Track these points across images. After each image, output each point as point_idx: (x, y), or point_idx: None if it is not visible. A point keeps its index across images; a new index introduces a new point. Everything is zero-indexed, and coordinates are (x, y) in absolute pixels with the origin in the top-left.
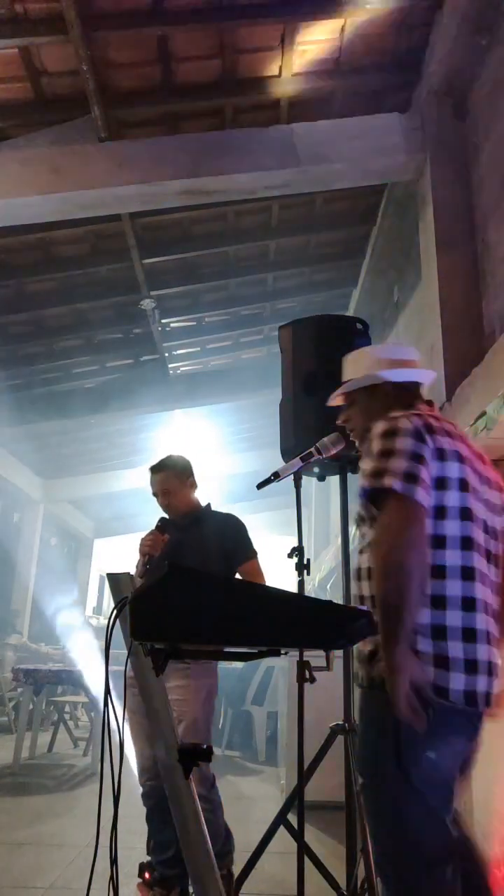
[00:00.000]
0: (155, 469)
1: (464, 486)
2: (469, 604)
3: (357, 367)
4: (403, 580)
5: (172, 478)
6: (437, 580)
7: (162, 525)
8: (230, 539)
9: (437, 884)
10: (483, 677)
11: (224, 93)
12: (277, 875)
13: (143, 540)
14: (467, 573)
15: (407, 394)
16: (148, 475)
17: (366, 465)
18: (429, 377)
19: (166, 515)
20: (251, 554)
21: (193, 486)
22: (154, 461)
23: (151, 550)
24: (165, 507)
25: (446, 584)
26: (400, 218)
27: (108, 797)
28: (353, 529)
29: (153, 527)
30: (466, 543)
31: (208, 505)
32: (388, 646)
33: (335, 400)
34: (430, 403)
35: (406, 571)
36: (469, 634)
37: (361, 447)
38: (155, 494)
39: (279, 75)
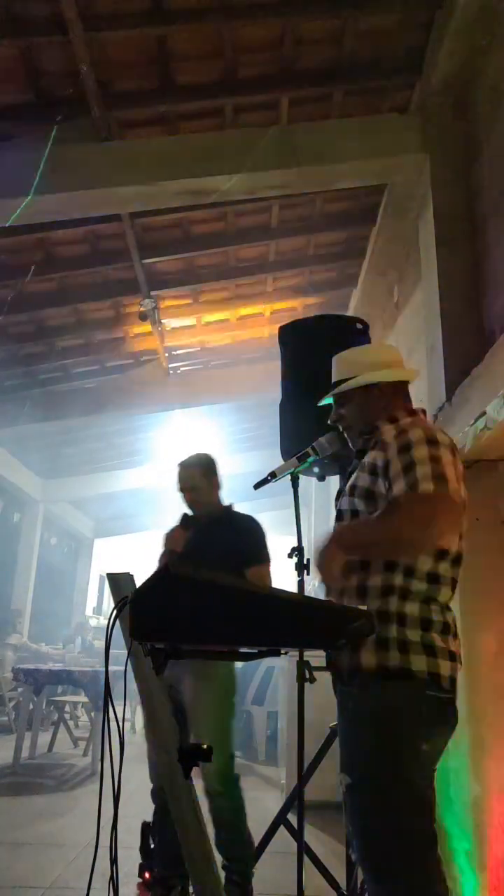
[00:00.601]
0: (182, 465)
1: (465, 505)
2: (446, 606)
3: (348, 367)
4: (406, 552)
5: (198, 475)
6: (432, 585)
7: (185, 522)
8: (244, 542)
9: (431, 868)
10: (457, 665)
11: (224, 93)
12: (277, 875)
13: (167, 535)
14: (453, 584)
15: (400, 393)
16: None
17: (420, 462)
18: (415, 375)
19: (189, 512)
20: (262, 559)
21: (218, 485)
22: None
23: (174, 546)
24: (189, 504)
25: (440, 589)
26: (400, 218)
27: (108, 797)
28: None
29: (176, 523)
30: (457, 559)
31: (230, 505)
32: (350, 551)
33: (329, 396)
34: (423, 412)
35: (414, 551)
36: (445, 627)
37: (354, 443)
38: (180, 490)
39: (279, 75)
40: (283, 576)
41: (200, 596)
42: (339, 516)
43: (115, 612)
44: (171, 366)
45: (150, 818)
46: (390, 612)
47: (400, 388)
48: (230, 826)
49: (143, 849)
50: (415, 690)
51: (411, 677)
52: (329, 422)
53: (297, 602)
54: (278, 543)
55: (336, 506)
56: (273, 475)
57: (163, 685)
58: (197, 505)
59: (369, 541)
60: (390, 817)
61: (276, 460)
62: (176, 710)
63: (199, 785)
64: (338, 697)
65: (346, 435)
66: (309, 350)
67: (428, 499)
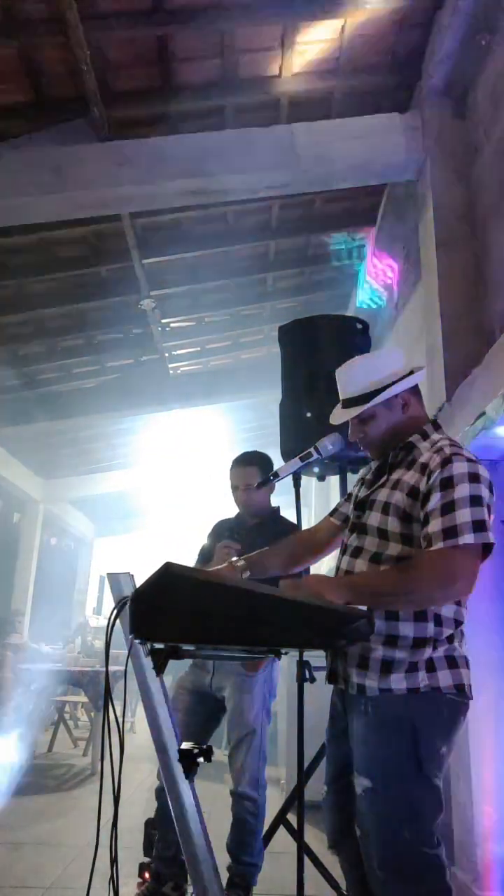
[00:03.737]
0: (243, 462)
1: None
2: (461, 623)
3: (364, 381)
4: (420, 604)
5: (259, 475)
6: (459, 607)
7: (231, 528)
8: None
9: (443, 861)
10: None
11: (224, 93)
12: (277, 875)
13: (220, 548)
14: (464, 604)
15: (419, 397)
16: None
17: (461, 503)
18: (423, 376)
19: (238, 510)
20: None
21: (272, 487)
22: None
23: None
24: (242, 503)
25: (463, 611)
26: (400, 218)
27: (108, 797)
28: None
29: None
30: None
31: (278, 508)
32: (361, 596)
33: (352, 415)
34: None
35: (429, 603)
36: (462, 638)
37: (377, 455)
38: (235, 487)
39: (279, 75)
40: None
41: (201, 596)
42: (363, 530)
43: (114, 611)
44: (171, 366)
45: (150, 818)
46: (427, 637)
47: (417, 390)
48: (249, 830)
49: (147, 845)
50: (440, 697)
51: (438, 690)
52: (350, 439)
53: (297, 602)
54: None
55: (352, 515)
56: (276, 475)
57: (162, 684)
58: (248, 505)
59: (383, 592)
60: (416, 820)
61: (276, 461)
62: (216, 712)
63: (212, 784)
64: (347, 699)
65: (365, 449)
66: (309, 350)
67: (454, 556)
